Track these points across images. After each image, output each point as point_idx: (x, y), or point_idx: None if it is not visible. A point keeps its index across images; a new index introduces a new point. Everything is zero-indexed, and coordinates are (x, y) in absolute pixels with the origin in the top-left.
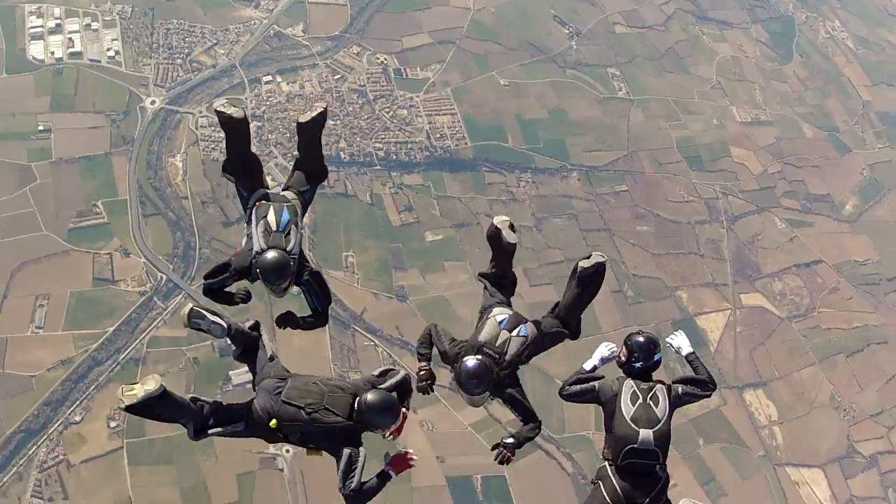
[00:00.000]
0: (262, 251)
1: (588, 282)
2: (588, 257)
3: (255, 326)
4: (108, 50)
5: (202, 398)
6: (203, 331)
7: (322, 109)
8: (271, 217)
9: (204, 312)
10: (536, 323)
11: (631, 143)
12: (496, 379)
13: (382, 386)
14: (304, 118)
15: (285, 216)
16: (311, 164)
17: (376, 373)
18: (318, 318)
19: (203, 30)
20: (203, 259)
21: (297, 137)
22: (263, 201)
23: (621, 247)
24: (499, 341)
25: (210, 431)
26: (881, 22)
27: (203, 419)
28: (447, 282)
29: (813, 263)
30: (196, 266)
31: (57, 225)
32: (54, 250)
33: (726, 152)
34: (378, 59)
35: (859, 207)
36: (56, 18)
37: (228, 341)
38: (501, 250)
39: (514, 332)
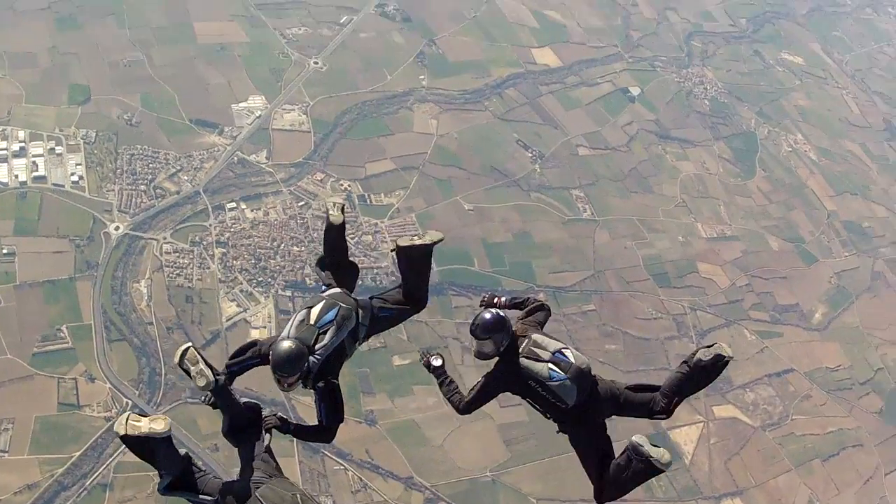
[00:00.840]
0: (284, 339)
1: (702, 373)
2: (710, 346)
3: (255, 407)
4: (72, 175)
5: (195, 462)
6: (189, 376)
7: (431, 242)
8: (315, 310)
9: (199, 357)
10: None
11: (597, 263)
12: (510, 335)
13: None
14: (402, 242)
15: (329, 315)
16: (409, 288)
17: None
18: (319, 432)
19: (167, 156)
20: (169, 385)
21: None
22: (323, 295)
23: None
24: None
25: (181, 492)
26: (842, 133)
27: (182, 478)
28: (416, 405)
29: (784, 373)
30: (162, 392)
31: (21, 349)
32: (18, 374)
33: (693, 268)
34: (342, 185)
35: (828, 315)
36: (20, 142)
37: (211, 399)
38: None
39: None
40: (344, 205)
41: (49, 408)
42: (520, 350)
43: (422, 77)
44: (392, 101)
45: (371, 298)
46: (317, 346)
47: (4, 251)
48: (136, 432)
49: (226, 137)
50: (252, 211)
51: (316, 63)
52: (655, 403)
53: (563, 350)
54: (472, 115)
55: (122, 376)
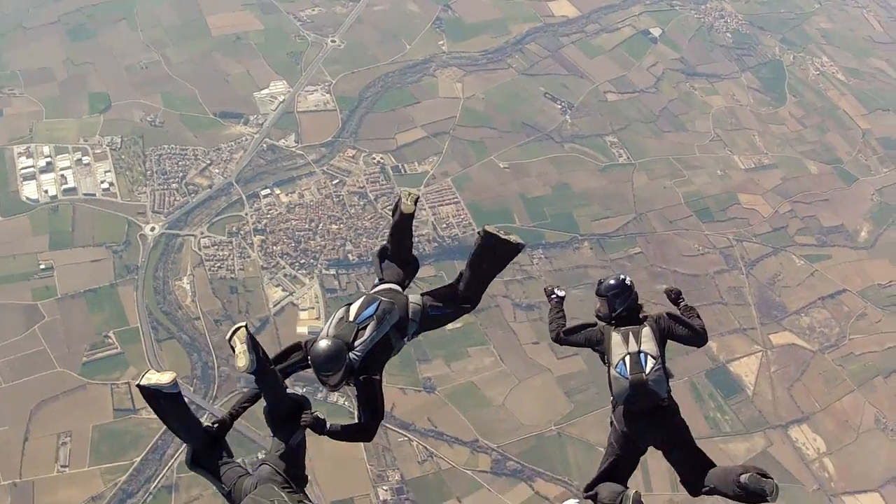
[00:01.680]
0: (321, 339)
1: (742, 493)
2: (766, 477)
3: (301, 402)
4: (102, 182)
5: (227, 448)
6: (234, 353)
7: (517, 242)
8: (354, 307)
9: (247, 339)
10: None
11: (638, 206)
12: (627, 306)
13: None
14: (490, 228)
15: (369, 311)
16: (469, 284)
17: None
18: (358, 431)
19: (195, 152)
20: (223, 377)
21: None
22: (364, 292)
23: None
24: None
25: (203, 470)
26: (868, 51)
27: (203, 452)
28: (473, 367)
29: (837, 294)
30: (217, 385)
31: (70, 360)
32: (70, 386)
33: (734, 200)
34: (374, 158)
35: (874, 232)
36: (46, 157)
37: (254, 383)
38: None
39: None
40: (419, 196)
41: (105, 415)
42: (622, 326)
43: (441, 42)
44: (414, 69)
45: (423, 295)
46: (356, 343)
47: (42, 266)
48: (147, 383)
49: (252, 126)
50: (287, 195)
51: (333, 41)
52: (695, 484)
53: (649, 356)
54: (496, 74)
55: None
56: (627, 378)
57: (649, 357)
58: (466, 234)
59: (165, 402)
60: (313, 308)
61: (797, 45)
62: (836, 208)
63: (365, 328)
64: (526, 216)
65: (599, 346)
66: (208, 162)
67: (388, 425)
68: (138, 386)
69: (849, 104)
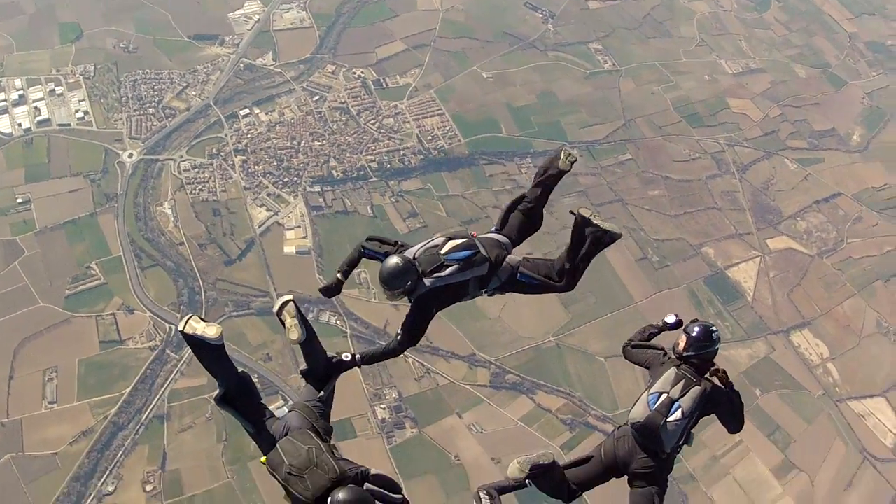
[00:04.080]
0: (395, 256)
1: None
2: None
3: (337, 366)
4: (77, 112)
5: (252, 383)
6: (283, 326)
7: (613, 231)
8: (451, 244)
9: (296, 312)
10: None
11: (626, 112)
12: (701, 356)
13: (371, 488)
14: (584, 212)
15: (461, 254)
16: (572, 266)
17: (375, 471)
18: (385, 353)
19: (171, 75)
20: (210, 302)
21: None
22: (472, 233)
23: (637, 214)
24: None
25: (231, 408)
26: None
27: (236, 392)
28: None
29: (832, 197)
30: (204, 310)
31: (53, 294)
32: (54, 321)
33: (724, 105)
34: (355, 73)
35: (866, 136)
36: (18, 90)
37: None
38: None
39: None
40: (576, 159)
41: (91, 349)
42: (684, 368)
43: None
44: None
45: (525, 259)
46: (433, 273)
47: (19, 200)
48: (192, 331)
49: (228, 47)
50: (266, 114)
51: None
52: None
53: (681, 409)
54: None
55: (160, 302)
56: (650, 411)
57: (680, 410)
58: (452, 145)
59: (206, 350)
60: (299, 227)
61: None
62: (826, 112)
63: (448, 266)
64: (513, 125)
65: (652, 369)
66: (185, 85)
67: (381, 342)
68: (181, 332)
69: (833, 8)
